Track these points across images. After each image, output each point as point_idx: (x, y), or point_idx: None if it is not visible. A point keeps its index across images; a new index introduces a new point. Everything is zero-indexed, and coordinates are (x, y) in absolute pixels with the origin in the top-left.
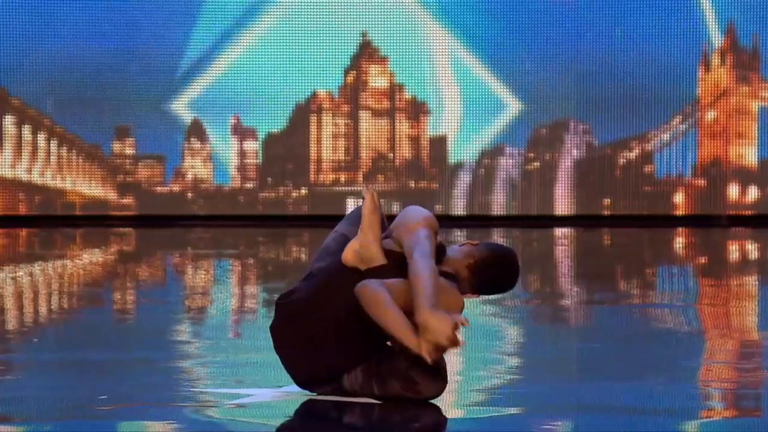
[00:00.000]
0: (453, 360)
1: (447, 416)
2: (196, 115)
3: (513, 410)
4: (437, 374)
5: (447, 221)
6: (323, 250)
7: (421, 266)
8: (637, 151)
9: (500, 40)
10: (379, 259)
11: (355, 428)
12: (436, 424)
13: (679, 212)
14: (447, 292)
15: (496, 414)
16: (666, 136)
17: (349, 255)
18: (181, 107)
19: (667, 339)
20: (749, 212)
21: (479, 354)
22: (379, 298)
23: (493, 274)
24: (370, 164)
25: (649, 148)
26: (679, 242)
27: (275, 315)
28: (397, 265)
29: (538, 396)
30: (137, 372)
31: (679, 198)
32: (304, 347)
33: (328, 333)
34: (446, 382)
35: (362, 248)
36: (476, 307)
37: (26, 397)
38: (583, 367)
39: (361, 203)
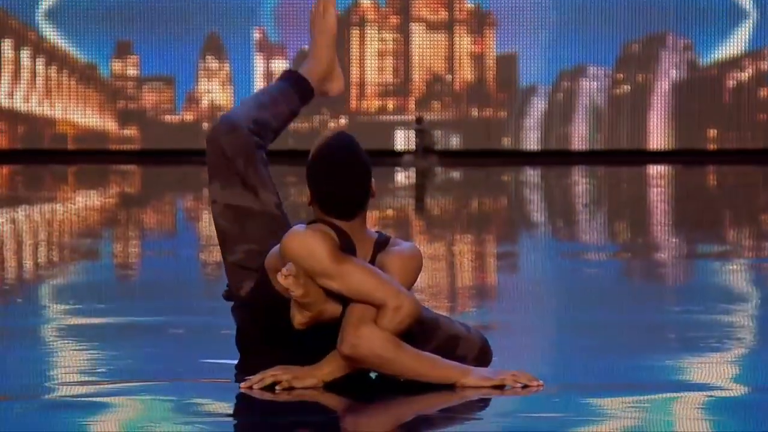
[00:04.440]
0: (519, 326)
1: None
2: (212, 27)
3: (589, 388)
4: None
5: (518, 157)
6: (221, 234)
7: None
8: (750, 71)
9: None
10: (335, 310)
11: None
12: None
13: None
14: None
15: (567, 391)
16: None
17: (297, 323)
18: (195, 18)
19: None
20: None
21: (553, 318)
22: (389, 353)
23: (317, 161)
24: (424, 89)
25: (766, 67)
26: None
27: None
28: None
29: (625, 371)
30: (141, 340)
31: None
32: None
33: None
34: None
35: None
36: (552, 261)
37: (7, 371)
38: (682, 336)
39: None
